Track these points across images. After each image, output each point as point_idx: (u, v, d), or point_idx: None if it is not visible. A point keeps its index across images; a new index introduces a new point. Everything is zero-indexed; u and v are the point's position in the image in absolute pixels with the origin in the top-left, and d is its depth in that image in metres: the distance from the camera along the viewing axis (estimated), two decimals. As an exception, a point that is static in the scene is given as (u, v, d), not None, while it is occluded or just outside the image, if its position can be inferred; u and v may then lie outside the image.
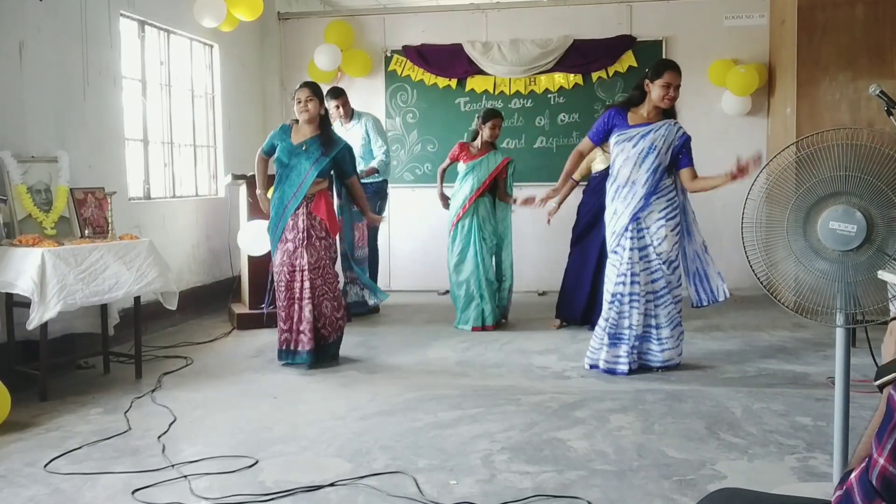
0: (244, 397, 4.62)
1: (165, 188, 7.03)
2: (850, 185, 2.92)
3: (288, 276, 5.26)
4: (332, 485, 3.25)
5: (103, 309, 5.13)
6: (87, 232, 5.09)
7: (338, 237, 5.52)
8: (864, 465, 1.11)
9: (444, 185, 6.78)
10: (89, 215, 5.18)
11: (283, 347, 5.30)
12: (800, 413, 4.13)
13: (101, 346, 5.22)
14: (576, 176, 6.53)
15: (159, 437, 3.88)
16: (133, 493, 3.19)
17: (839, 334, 3.01)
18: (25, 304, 4.49)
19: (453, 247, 6.53)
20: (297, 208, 5.24)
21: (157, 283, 4.99)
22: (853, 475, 1.13)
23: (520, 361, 5.40)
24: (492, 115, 6.53)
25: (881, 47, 6.90)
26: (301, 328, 5.22)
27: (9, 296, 4.67)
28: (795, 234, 2.99)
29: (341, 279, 5.74)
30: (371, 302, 6.10)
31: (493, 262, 6.59)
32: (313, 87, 5.39)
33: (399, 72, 8.56)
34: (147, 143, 6.68)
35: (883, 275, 2.81)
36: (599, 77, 8.25)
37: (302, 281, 5.24)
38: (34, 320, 4.36)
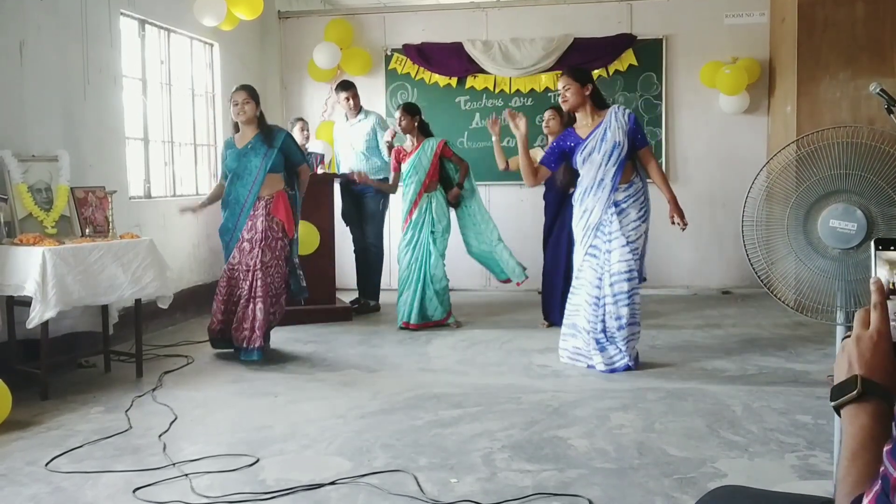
0: (245, 396, 4.63)
1: (166, 187, 7.03)
2: (850, 184, 2.92)
3: (240, 275, 5.37)
4: (332, 483, 3.25)
5: (104, 308, 5.13)
6: (87, 231, 5.08)
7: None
8: (878, 487, 1.06)
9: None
10: (90, 214, 5.17)
11: (220, 336, 5.48)
12: (800, 411, 4.13)
13: (101, 344, 5.22)
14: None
15: (160, 435, 3.88)
16: (134, 491, 3.19)
17: (839, 332, 3.01)
18: (26, 302, 4.49)
19: (406, 245, 6.48)
20: (255, 209, 5.34)
21: (150, 287, 4.99)
22: (867, 500, 1.08)
23: (520, 360, 5.40)
24: (398, 108, 6.61)
25: (881, 45, 6.90)
26: (255, 326, 5.31)
27: (9, 295, 4.67)
28: (796, 233, 3.00)
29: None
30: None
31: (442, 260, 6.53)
32: (249, 90, 5.49)
33: (399, 70, 8.56)
34: (147, 141, 6.69)
35: (883, 273, 2.81)
36: (600, 76, 8.23)
37: (254, 280, 5.33)
38: (34, 319, 4.37)
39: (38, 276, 4.36)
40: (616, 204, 5.03)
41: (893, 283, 1.18)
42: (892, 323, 1.18)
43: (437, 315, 6.46)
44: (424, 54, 8.47)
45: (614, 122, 5.03)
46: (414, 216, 6.47)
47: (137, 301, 5.08)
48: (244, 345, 5.34)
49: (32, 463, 3.53)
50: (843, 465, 1.17)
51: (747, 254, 3.10)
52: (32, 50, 5.18)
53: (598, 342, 5.05)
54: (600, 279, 5.05)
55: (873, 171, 2.88)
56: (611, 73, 8.21)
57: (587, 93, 5.10)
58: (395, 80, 8.57)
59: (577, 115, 5.16)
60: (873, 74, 6.61)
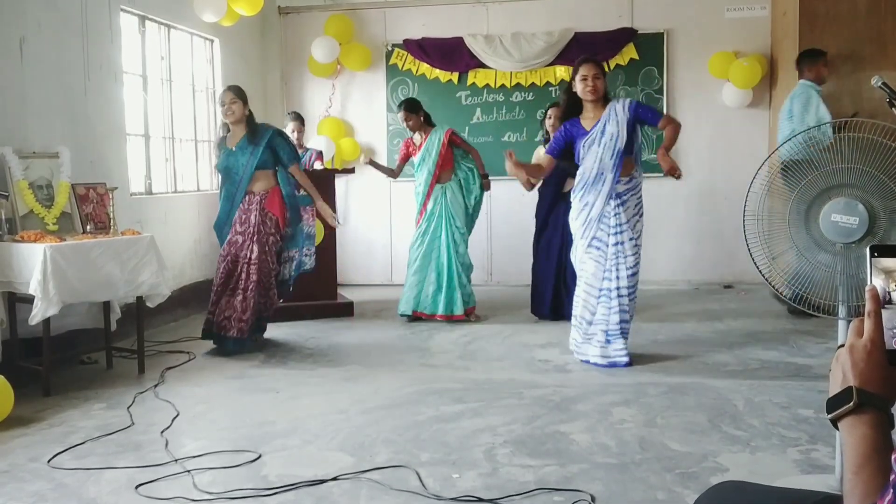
0: (246, 392, 4.63)
1: (167, 183, 7.02)
2: (851, 178, 2.92)
3: (230, 266, 5.50)
4: (334, 479, 3.25)
5: (106, 304, 5.14)
6: (88, 227, 5.08)
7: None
8: (890, 496, 1.04)
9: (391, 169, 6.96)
10: (91, 211, 5.17)
11: (214, 331, 5.56)
12: (802, 405, 4.13)
13: (103, 341, 5.23)
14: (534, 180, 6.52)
15: (162, 431, 3.89)
16: (136, 487, 3.19)
17: (841, 327, 3.01)
18: (28, 299, 4.49)
19: (420, 236, 6.52)
20: (247, 203, 5.49)
21: (145, 285, 4.99)
22: None
23: (522, 355, 5.40)
24: (400, 110, 6.65)
25: (883, 38, 6.87)
26: (233, 317, 5.45)
27: (11, 293, 4.68)
28: (797, 227, 2.99)
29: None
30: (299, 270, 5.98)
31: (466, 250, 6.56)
32: (236, 90, 5.64)
33: (400, 66, 8.54)
34: (148, 138, 6.68)
35: (885, 267, 2.80)
36: (601, 70, 8.23)
37: (248, 273, 5.46)
38: (37, 316, 4.37)
39: (39, 273, 4.36)
40: (618, 195, 5.04)
41: (889, 292, 1.16)
42: (886, 332, 1.16)
43: (458, 309, 6.46)
44: (425, 49, 8.45)
45: (614, 116, 5.02)
46: (429, 207, 6.50)
47: (139, 298, 5.08)
48: (222, 333, 5.48)
49: (35, 459, 3.54)
50: (847, 478, 1.15)
51: (749, 248, 3.10)
52: (33, 46, 5.17)
53: (606, 334, 5.04)
54: (608, 271, 5.04)
55: (875, 165, 2.88)
56: (612, 68, 8.18)
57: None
58: (395, 75, 8.56)
59: (586, 106, 5.13)
60: (875, 67, 6.57)
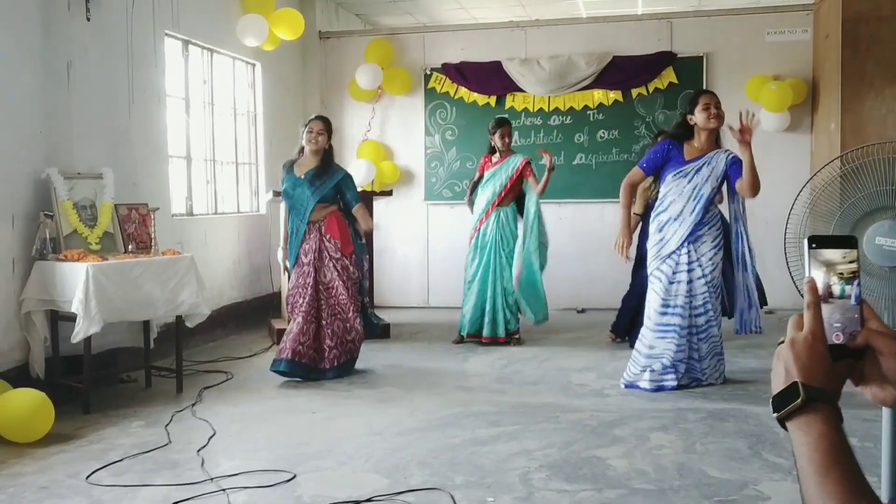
0: (283, 412, 4.65)
1: (207, 205, 7.12)
2: (896, 200, 2.87)
3: (303, 296, 5.40)
4: (369, 500, 3.24)
5: (145, 323, 5.20)
6: (130, 247, 5.16)
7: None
8: None
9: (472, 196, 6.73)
10: (133, 231, 5.25)
11: (291, 358, 5.31)
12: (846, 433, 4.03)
13: (143, 360, 5.29)
14: (637, 209, 6.17)
15: (199, 450, 3.91)
16: (172, 505, 3.21)
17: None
18: (70, 317, 4.57)
19: (472, 254, 6.54)
20: (308, 233, 5.43)
21: (184, 305, 5.05)
22: None
23: (558, 378, 5.36)
24: (498, 125, 6.51)
25: (928, 61, 6.77)
26: (326, 345, 5.36)
27: (54, 311, 4.76)
28: (840, 250, 2.94)
29: None
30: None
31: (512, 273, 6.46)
32: (326, 122, 5.57)
33: (438, 89, 8.59)
34: (190, 160, 6.78)
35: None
36: (639, 93, 8.20)
37: (319, 300, 5.39)
38: (79, 334, 4.44)
39: (81, 292, 4.43)
40: (691, 232, 4.94)
41: (830, 286, 1.11)
42: (827, 327, 1.08)
43: (501, 332, 6.43)
44: (463, 73, 8.49)
45: (715, 161, 4.91)
46: (482, 227, 6.49)
47: (178, 317, 5.14)
48: (318, 365, 5.38)
49: (73, 476, 3.58)
50: (811, 482, 1.05)
51: (790, 271, 3.06)
52: (79, 70, 5.28)
53: (664, 367, 4.93)
54: (676, 307, 4.94)
55: (921, 187, 2.82)
56: (651, 91, 8.16)
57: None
58: (434, 98, 8.61)
59: (700, 135, 4.97)
60: (920, 91, 6.49)
